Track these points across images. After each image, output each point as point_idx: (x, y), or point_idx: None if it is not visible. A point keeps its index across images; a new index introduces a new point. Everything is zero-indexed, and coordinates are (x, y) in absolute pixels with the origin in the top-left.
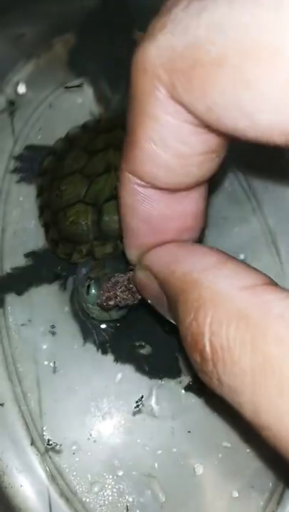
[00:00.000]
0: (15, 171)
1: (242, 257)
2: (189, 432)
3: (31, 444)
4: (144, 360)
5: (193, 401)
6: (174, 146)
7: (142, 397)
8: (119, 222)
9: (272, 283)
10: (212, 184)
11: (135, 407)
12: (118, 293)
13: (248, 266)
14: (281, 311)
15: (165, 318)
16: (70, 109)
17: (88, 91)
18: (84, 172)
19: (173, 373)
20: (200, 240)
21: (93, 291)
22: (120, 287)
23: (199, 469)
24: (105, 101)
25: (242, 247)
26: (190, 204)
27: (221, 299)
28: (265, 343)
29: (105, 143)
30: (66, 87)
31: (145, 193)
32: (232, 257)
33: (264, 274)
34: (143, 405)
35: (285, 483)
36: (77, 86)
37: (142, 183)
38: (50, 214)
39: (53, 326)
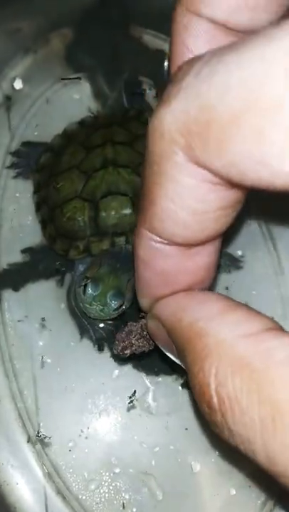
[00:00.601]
0: (11, 166)
1: (240, 253)
2: (186, 429)
3: (27, 442)
4: (140, 358)
5: (190, 398)
6: (192, 205)
7: (135, 392)
8: (116, 218)
9: (277, 327)
10: None
11: (129, 403)
12: (133, 341)
13: (254, 312)
14: (284, 356)
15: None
16: (67, 104)
17: (85, 86)
18: (81, 168)
19: (170, 370)
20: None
21: (90, 290)
22: (134, 336)
23: (196, 467)
24: (103, 97)
25: (241, 244)
26: (203, 258)
27: (225, 348)
28: (271, 391)
29: (103, 139)
30: (63, 79)
31: (160, 248)
32: (239, 304)
33: (269, 318)
34: (136, 400)
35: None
36: (76, 78)
37: (158, 239)
38: (47, 210)
39: (49, 323)
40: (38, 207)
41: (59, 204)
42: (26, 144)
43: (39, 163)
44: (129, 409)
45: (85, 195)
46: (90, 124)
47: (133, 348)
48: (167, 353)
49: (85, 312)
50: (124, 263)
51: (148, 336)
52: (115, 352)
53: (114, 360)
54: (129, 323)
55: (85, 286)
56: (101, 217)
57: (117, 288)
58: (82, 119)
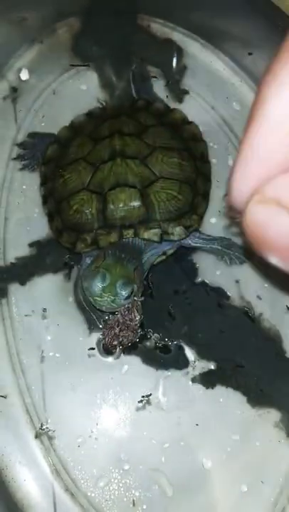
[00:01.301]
0: (18, 158)
1: None
2: (197, 424)
3: (35, 438)
4: (150, 352)
5: (201, 392)
6: None
7: (150, 394)
8: (124, 210)
9: None
10: None
11: (139, 401)
12: (118, 332)
13: None
14: None
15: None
16: (75, 95)
17: (93, 77)
18: (88, 159)
19: (180, 364)
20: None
21: (98, 282)
22: (118, 326)
23: (207, 463)
24: (110, 87)
25: None
26: None
27: None
28: None
29: (110, 130)
30: (72, 65)
31: None
32: None
33: None
34: (148, 403)
35: None
36: (85, 65)
37: None
38: (54, 203)
39: (57, 317)
40: (45, 200)
41: (66, 196)
42: (32, 135)
43: (46, 155)
44: (140, 407)
45: (93, 187)
46: (98, 115)
47: (120, 339)
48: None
49: (95, 306)
50: (129, 252)
51: (132, 325)
52: (103, 346)
53: (104, 353)
54: (109, 318)
55: (92, 278)
56: (109, 210)
57: (125, 277)
58: (90, 111)
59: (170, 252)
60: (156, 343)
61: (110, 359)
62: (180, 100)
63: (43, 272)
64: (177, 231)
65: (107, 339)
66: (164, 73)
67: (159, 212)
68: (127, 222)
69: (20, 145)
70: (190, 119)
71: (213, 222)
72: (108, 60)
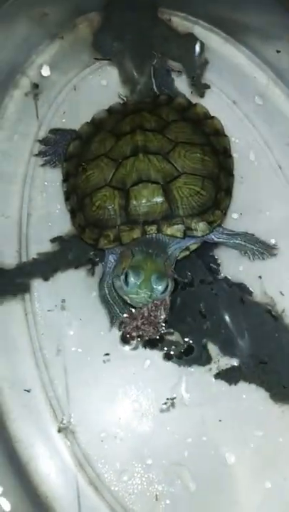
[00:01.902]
0: (39, 154)
1: (273, 241)
2: (220, 420)
3: (58, 431)
4: (173, 347)
5: (224, 389)
6: None
7: (175, 397)
8: (147, 206)
9: None
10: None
11: (164, 404)
12: (139, 325)
13: None
14: None
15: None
16: (95, 91)
17: (113, 72)
18: (110, 155)
19: (202, 361)
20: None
21: (132, 280)
22: (141, 319)
23: (231, 459)
24: (131, 82)
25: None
26: None
27: None
28: None
29: (132, 125)
30: (96, 59)
31: None
32: None
33: None
34: (172, 405)
35: None
36: (106, 59)
37: None
38: (77, 199)
39: (79, 312)
40: (68, 196)
41: (88, 193)
42: (54, 130)
43: (68, 151)
44: (163, 405)
45: (115, 183)
46: (119, 110)
47: (140, 332)
48: None
49: (131, 303)
50: (155, 248)
51: (155, 322)
52: (122, 334)
53: (122, 341)
54: (137, 308)
55: (126, 277)
56: (131, 206)
57: (158, 271)
58: (111, 106)
59: (193, 247)
60: (178, 340)
61: (130, 351)
62: (202, 95)
63: (65, 268)
64: (200, 227)
65: (127, 328)
66: (185, 68)
67: (182, 208)
68: (150, 218)
69: (42, 141)
70: (212, 113)
71: (236, 218)
72: (128, 55)
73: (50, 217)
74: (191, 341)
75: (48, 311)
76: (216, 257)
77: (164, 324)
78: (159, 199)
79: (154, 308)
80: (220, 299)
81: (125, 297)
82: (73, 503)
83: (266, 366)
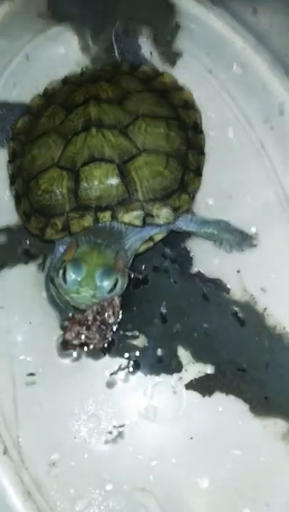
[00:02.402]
0: None
1: (253, 230)
2: (191, 438)
3: (4, 453)
4: (137, 354)
5: (196, 401)
6: None
7: (123, 431)
8: (99, 189)
9: None
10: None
11: (109, 442)
12: (81, 331)
13: None
14: None
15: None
16: (51, 60)
17: (72, 38)
18: (59, 131)
19: (172, 369)
20: None
21: (72, 275)
22: (84, 325)
23: (204, 483)
24: (92, 50)
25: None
26: None
27: None
28: None
29: (85, 96)
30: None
31: None
32: None
33: None
34: (119, 443)
35: None
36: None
37: None
38: (22, 182)
39: (29, 315)
40: (13, 179)
41: (34, 175)
42: (2, 105)
43: (15, 128)
44: (124, 428)
45: (64, 163)
46: (76, 81)
47: (82, 340)
48: None
49: (73, 304)
50: (106, 238)
51: (101, 328)
52: (61, 343)
53: (60, 350)
54: (78, 312)
55: (64, 272)
56: (82, 189)
57: (105, 265)
58: (66, 76)
59: (158, 237)
60: (143, 345)
61: (79, 362)
62: (172, 64)
63: (13, 263)
64: (163, 213)
65: (66, 335)
66: (153, 33)
67: (141, 192)
68: (104, 203)
69: None
70: (183, 85)
71: (211, 204)
72: (88, 19)
73: None
74: (158, 347)
75: None
76: (188, 250)
77: (112, 331)
78: (114, 181)
79: (100, 310)
80: (192, 298)
81: (66, 297)
82: None
83: (245, 374)
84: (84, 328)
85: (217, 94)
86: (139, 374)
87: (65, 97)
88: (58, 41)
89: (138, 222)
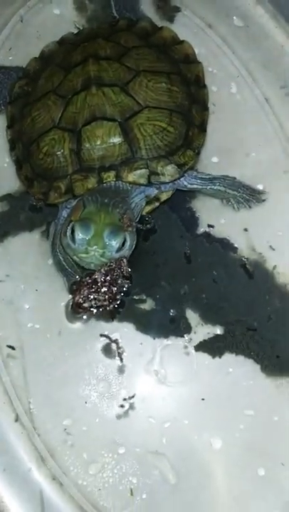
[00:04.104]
0: None
1: (260, 187)
2: (203, 399)
3: (15, 421)
4: (145, 317)
5: (207, 362)
6: None
7: (134, 396)
8: (102, 149)
9: None
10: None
11: (120, 406)
12: (92, 292)
13: None
14: None
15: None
16: (46, 22)
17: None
18: (58, 92)
19: (180, 331)
20: None
21: (80, 235)
22: (92, 288)
23: (217, 444)
24: (87, 8)
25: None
26: None
27: None
28: None
29: (84, 55)
30: None
31: None
32: None
33: None
34: (131, 407)
35: None
36: None
37: None
38: (23, 147)
39: (35, 282)
40: (13, 145)
41: (35, 138)
42: None
43: (13, 92)
44: (133, 385)
45: (65, 124)
46: (72, 41)
47: (91, 302)
48: None
49: (82, 265)
50: (113, 197)
51: (111, 289)
52: (70, 305)
53: (71, 314)
54: (86, 275)
55: (72, 231)
56: (84, 150)
57: (113, 224)
58: (63, 37)
59: (163, 197)
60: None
61: (87, 326)
62: (170, 19)
63: (16, 231)
64: (168, 170)
65: (76, 298)
66: None
67: (145, 149)
68: (107, 163)
69: None
70: (184, 39)
71: (216, 161)
72: None
73: None
74: (166, 309)
75: None
76: (194, 210)
77: (122, 292)
78: (117, 139)
79: (108, 271)
80: (199, 258)
81: (74, 257)
82: (34, 501)
83: (256, 333)
84: (93, 290)
85: (218, 48)
86: (148, 337)
87: (62, 58)
88: (52, 2)
89: (143, 180)
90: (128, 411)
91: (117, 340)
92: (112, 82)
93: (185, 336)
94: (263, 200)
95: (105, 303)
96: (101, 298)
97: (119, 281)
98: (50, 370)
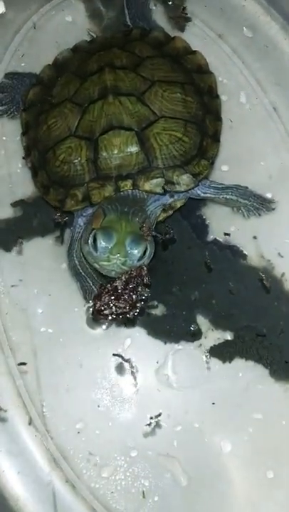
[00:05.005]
0: None
1: (269, 195)
2: (213, 403)
3: (29, 424)
4: (156, 322)
5: (217, 367)
6: None
7: (160, 414)
8: (119, 158)
9: None
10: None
11: (147, 425)
12: (112, 300)
13: None
14: None
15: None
16: (59, 29)
17: (80, 6)
18: (75, 100)
19: (191, 335)
20: None
21: (102, 243)
22: (113, 295)
23: (226, 447)
24: (100, 16)
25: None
26: None
27: None
28: None
29: (99, 64)
30: None
31: None
32: None
33: None
34: (143, 410)
35: None
36: None
37: None
38: (38, 154)
39: (49, 287)
40: (28, 151)
41: (51, 146)
42: (10, 75)
43: (27, 99)
44: (145, 388)
45: (81, 133)
46: (86, 49)
47: (112, 310)
48: None
49: (102, 272)
50: (132, 206)
51: (131, 296)
52: (91, 312)
53: (92, 320)
54: (107, 282)
55: (95, 239)
56: (101, 158)
57: (134, 233)
58: (77, 45)
59: (177, 205)
60: (162, 314)
61: (101, 331)
62: (182, 29)
63: (30, 236)
64: (184, 180)
65: (97, 305)
66: None
67: (161, 159)
68: (124, 171)
69: None
70: (194, 49)
71: (226, 170)
72: None
73: (11, 178)
74: (177, 315)
75: (12, 286)
76: (204, 217)
77: (142, 300)
78: (134, 149)
79: (128, 279)
80: (210, 265)
81: (95, 265)
82: (48, 503)
83: (265, 339)
84: (114, 297)
85: (228, 58)
86: (159, 342)
87: (77, 66)
88: (65, 10)
89: (159, 189)
90: (140, 414)
91: (130, 359)
92: (128, 92)
93: (196, 341)
94: (273, 209)
95: (126, 310)
96: (122, 305)
97: (139, 289)
98: (63, 373)
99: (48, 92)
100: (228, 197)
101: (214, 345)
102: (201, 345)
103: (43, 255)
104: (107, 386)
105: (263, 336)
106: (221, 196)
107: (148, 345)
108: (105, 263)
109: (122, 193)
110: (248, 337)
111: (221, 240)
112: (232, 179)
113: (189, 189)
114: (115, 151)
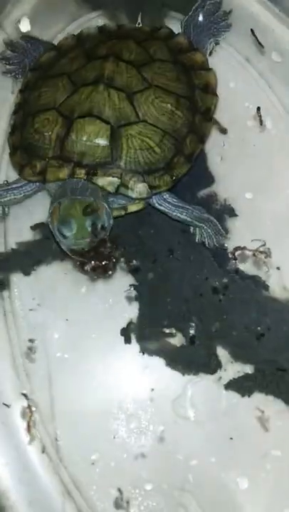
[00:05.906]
0: (2, 59)
1: None
2: (231, 438)
3: (42, 452)
4: (175, 352)
5: (236, 401)
6: None
7: (162, 431)
8: (85, 145)
9: None
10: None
11: (148, 442)
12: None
13: None
14: None
15: None
16: None
17: None
18: (72, 77)
19: (211, 368)
20: None
21: (67, 233)
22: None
23: (243, 483)
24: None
25: None
26: None
27: None
28: None
29: (108, 51)
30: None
31: None
32: None
33: None
34: (159, 443)
35: None
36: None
37: None
38: (22, 115)
39: (66, 311)
40: (17, 109)
41: (33, 112)
42: (28, 38)
43: (39, 61)
44: (162, 421)
45: (63, 110)
46: (110, 33)
47: (92, 264)
48: None
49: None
50: (81, 194)
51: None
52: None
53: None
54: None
55: (60, 233)
56: (69, 140)
57: (90, 208)
58: (103, 26)
59: (132, 208)
60: (181, 344)
61: (118, 358)
62: (209, 53)
63: (49, 260)
64: (139, 188)
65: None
66: (184, 17)
67: (125, 160)
68: (85, 160)
69: (9, 45)
70: (220, 74)
71: (250, 198)
72: (121, 5)
73: (31, 200)
74: (196, 346)
75: (30, 310)
76: (226, 245)
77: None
78: (103, 142)
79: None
80: (231, 295)
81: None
82: None
83: (286, 374)
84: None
85: (255, 83)
86: (178, 374)
87: (91, 45)
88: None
89: (111, 188)
90: (156, 447)
91: None
92: (121, 87)
93: (215, 373)
94: (223, 244)
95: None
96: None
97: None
98: (78, 401)
99: (57, 60)
100: (181, 216)
101: (234, 378)
102: (220, 377)
103: (61, 279)
104: (123, 417)
105: (283, 371)
106: (174, 213)
107: (166, 375)
108: (75, 247)
109: (75, 179)
110: (268, 371)
111: (243, 269)
112: (256, 207)
113: (141, 198)
114: (84, 138)
